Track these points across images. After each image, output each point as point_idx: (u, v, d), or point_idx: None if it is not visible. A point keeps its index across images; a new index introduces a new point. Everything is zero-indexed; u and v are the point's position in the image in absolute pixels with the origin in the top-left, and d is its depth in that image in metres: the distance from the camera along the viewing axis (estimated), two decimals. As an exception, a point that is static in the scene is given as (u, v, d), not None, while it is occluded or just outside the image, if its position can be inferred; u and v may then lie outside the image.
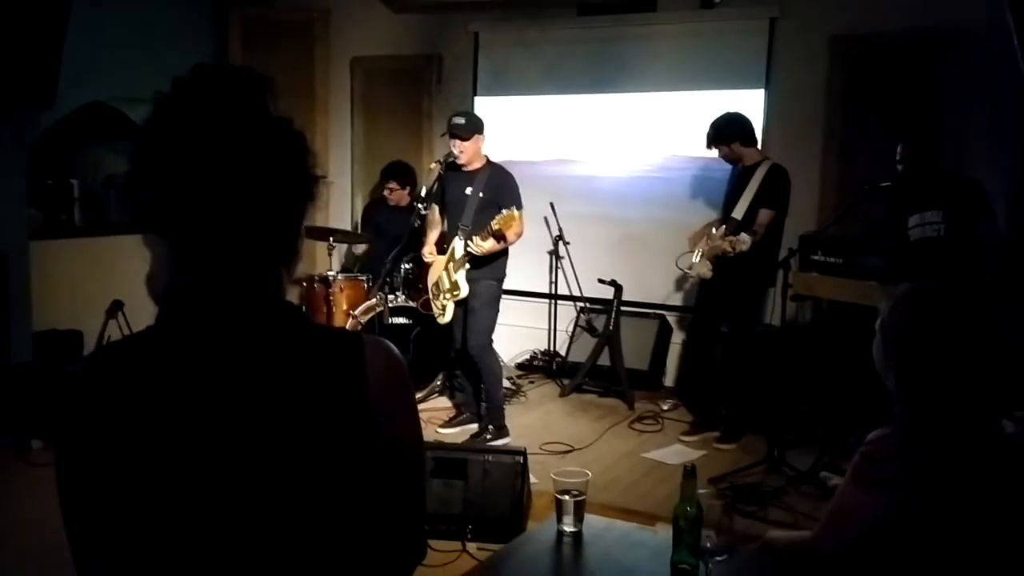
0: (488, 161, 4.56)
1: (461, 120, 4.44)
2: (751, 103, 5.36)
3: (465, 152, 4.44)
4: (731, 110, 4.73)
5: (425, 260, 4.72)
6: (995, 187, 4.53)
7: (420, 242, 5.37)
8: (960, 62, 4.90)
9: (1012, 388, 2.34)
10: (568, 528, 2.07)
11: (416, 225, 4.95)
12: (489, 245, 4.33)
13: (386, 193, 5.99)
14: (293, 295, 5.83)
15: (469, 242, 4.36)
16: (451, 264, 4.47)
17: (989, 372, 1.75)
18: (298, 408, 1.04)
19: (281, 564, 1.03)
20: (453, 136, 4.42)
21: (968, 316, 1.74)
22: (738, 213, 4.49)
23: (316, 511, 1.03)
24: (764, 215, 4.41)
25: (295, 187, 1.10)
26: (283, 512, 1.02)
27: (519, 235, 4.42)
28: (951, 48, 4.93)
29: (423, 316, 5.12)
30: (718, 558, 1.78)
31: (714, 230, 4.59)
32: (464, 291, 4.45)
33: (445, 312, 4.56)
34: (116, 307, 5.57)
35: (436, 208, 4.73)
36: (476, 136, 4.44)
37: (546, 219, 5.98)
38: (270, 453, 1.02)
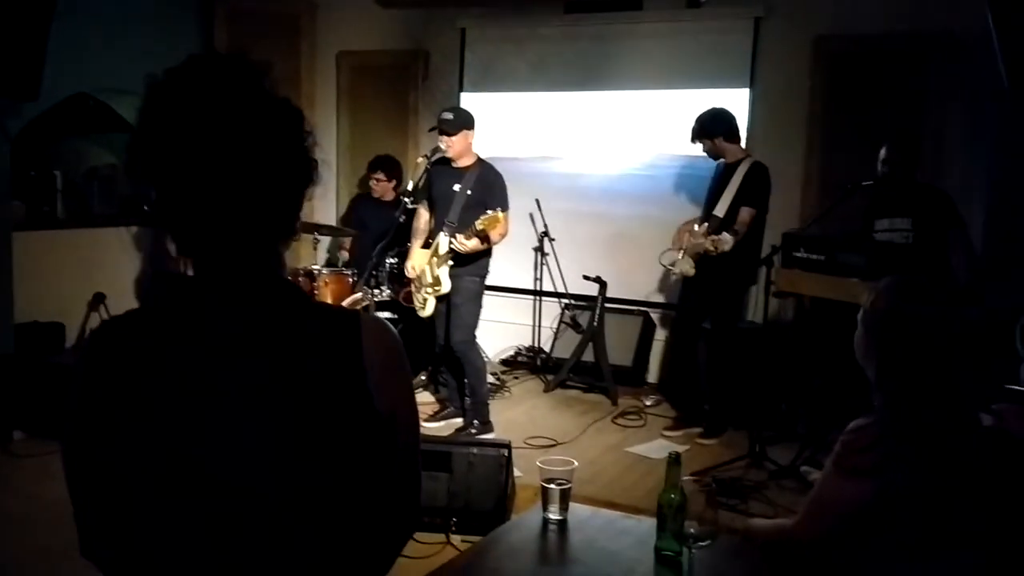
0: (479, 159, 4.56)
1: (449, 115, 4.44)
2: (736, 102, 5.39)
3: (453, 147, 4.44)
4: (707, 108, 4.77)
5: (407, 275, 4.73)
6: (974, 190, 4.60)
7: (405, 237, 5.38)
8: (942, 65, 4.97)
9: (990, 382, 2.38)
10: (553, 516, 2.09)
11: (402, 220, 4.95)
12: (473, 244, 4.34)
13: (372, 184, 5.99)
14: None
15: (453, 239, 4.37)
16: (434, 259, 4.48)
17: (968, 364, 1.79)
18: (296, 381, 1.06)
19: (280, 534, 1.04)
20: (441, 131, 4.43)
21: (948, 308, 1.77)
22: (720, 211, 4.52)
23: (313, 483, 1.05)
24: (745, 214, 4.44)
25: (296, 167, 1.11)
26: (281, 484, 1.04)
27: (503, 236, 4.44)
28: (933, 51, 4.99)
29: (408, 311, 5.12)
30: (701, 544, 1.80)
31: (696, 227, 4.62)
32: (446, 287, 4.46)
33: (425, 306, 4.58)
34: (98, 299, 5.56)
35: (423, 215, 4.73)
36: (464, 131, 4.44)
37: (531, 216, 6.00)
38: (269, 425, 1.04)
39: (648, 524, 2.02)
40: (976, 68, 4.71)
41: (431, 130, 4.62)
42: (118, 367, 1.05)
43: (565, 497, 2.10)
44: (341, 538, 1.09)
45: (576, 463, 2.20)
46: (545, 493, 2.10)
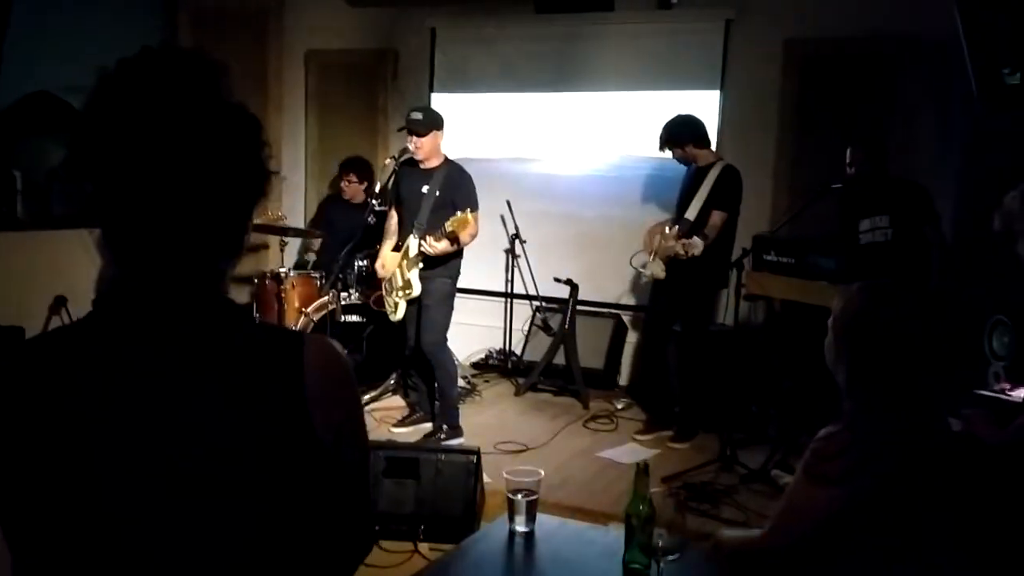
0: (446, 159, 4.51)
1: (419, 115, 4.38)
2: (706, 104, 5.40)
3: (422, 148, 4.38)
4: (684, 111, 4.76)
5: (378, 274, 4.67)
6: (942, 191, 4.61)
7: (375, 239, 5.32)
8: (911, 67, 4.99)
9: (958, 386, 2.38)
10: (520, 528, 2.05)
11: (371, 221, 4.90)
12: (443, 246, 4.29)
13: (343, 185, 5.92)
14: (244, 292, 5.73)
15: (423, 242, 4.31)
16: (404, 262, 4.42)
17: (937, 369, 1.77)
18: (232, 405, 1.00)
19: (216, 562, 0.99)
20: (410, 132, 4.37)
21: (918, 314, 1.76)
22: (691, 214, 4.51)
23: (250, 509, 1.00)
24: (716, 217, 4.43)
25: (247, 179, 1.05)
26: (217, 510, 0.99)
27: (473, 236, 4.38)
28: (903, 53, 5.01)
29: (377, 314, 5.06)
30: (670, 557, 1.77)
31: (667, 229, 4.60)
32: (416, 290, 4.40)
33: (396, 310, 4.52)
34: (59, 303, 5.43)
35: (394, 217, 4.67)
36: (434, 132, 4.38)
37: (502, 217, 5.95)
38: (202, 451, 0.98)
39: (616, 534, 1.99)
40: (943, 71, 4.73)
41: (400, 130, 4.56)
42: (37, 394, 0.98)
43: (532, 508, 2.05)
44: (290, 565, 1.03)
45: (543, 473, 2.17)
46: (511, 504, 2.05)
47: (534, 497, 2.06)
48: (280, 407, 1.02)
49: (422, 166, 4.46)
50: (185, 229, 1.01)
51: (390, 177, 4.61)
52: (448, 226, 4.18)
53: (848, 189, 4.31)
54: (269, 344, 1.06)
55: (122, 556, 0.97)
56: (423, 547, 3.41)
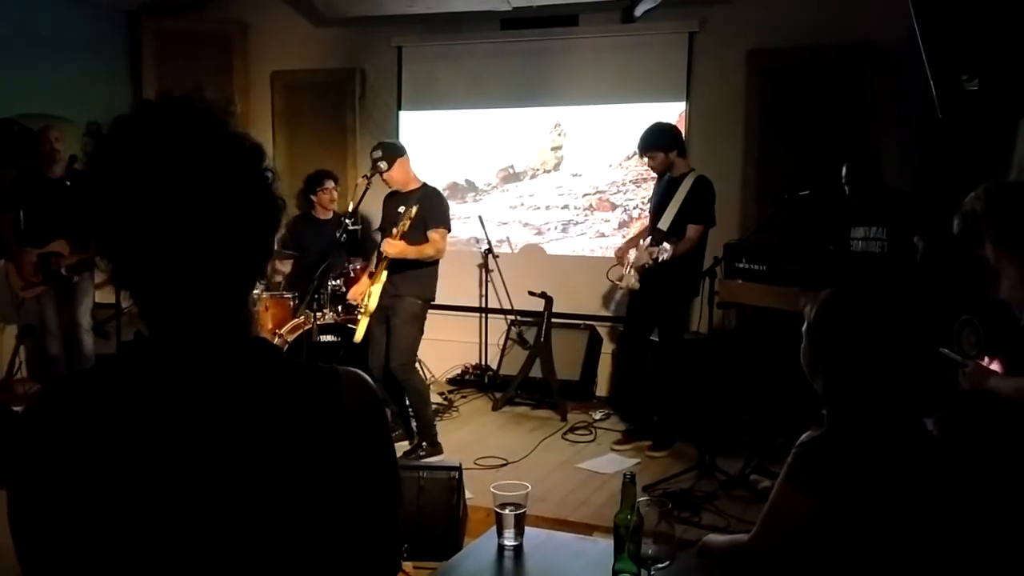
0: (424, 184, 4.59)
1: (378, 152, 4.46)
2: (672, 116, 5.47)
3: (395, 179, 4.49)
4: (652, 123, 4.80)
5: (349, 298, 4.68)
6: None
7: (346, 258, 5.32)
8: (872, 75, 5.09)
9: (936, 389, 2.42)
10: (509, 542, 2.05)
11: (343, 239, 4.89)
12: (401, 247, 4.31)
13: (320, 194, 5.86)
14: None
15: (382, 242, 4.37)
16: (377, 282, 4.46)
17: (914, 374, 1.81)
18: (276, 447, 1.00)
19: None
20: (375, 170, 4.43)
21: (892, 319, 1.79)
22: (664, 224, 4.55)
23: (293, 548, 1.00)
24: (692, 231, 4.47)
25: (261, 214, 1.05)
26: (260, 551, 0.99)
27: (439, 252, 4.45)
28: (861, 62, 5.11)
29: (352, 333, 5.03)
30: (659, 566, 1.78)
31: (642, 241, 4.65)
32: (372, 304, 4.42)
33: (358, 329, 4.53)
34: (27, 331, 5.35)
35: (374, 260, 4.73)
36: (399, 160, 4.47)
37: (475, 233, 5.96)
38: (246, 494, 0.98)
39: (604, 544, 2.00)
40: (904, 79, 4.83)
41: (369, 176, 4.56)
42: (73, 438, 0.97)
43: (520, 522, 2.06)
44: None
45: (529, 486, 2.17)
46: (499, 519, 2.06)
47: (522, 510, 2.07)
48: (322, 443, 1.02)
49: (401, 192, 4.54)
50: (218, 270, 1.01)
51: (362, 196, 4.63)
52: (400, 223, 4.26)
53: (841, 198, 4.37)
54: (306, 381, 1.05)
55: None
56: (407, 566, 3.38)
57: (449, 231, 4.56)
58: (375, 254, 4.71)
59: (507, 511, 2.05)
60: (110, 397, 0.99)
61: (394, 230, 4.33)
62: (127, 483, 0.95)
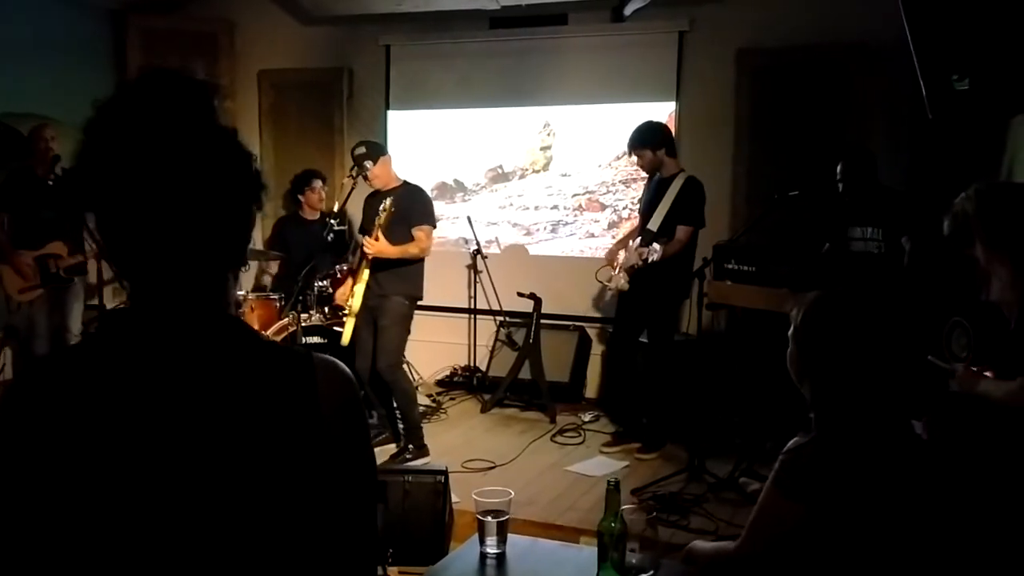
0: (404, 182, 4.56)
1: (362, 150, 4.45)
2: (662, 115, 5.44)
3: (377, 177, 4.46)
4: (646, 120, 4.77)
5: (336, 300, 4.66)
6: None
7: (333, 258, 5.27)
8: (862, 74, 5.07)
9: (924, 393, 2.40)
10: (491, 549, 2.02)
11: (329, 239, 4.86)
12: (382, 245, 4.27)
13: (308, 194, 5.83)
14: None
15: (365, 243, 4.34)
16: (359, 281, 4.42)
17: (902, 378, 1.78)
18: (246, 429, 1.00)
19: None
20: (362, 168, 4.41)
21: (879, 322, 1.76)
22: (653, 224, 4.52)
23: (263, 529, 1.00)
24: (682, 232, 4.44)
25: (242, 186, 1.06)
26: (230, 535, 0.98)
27: (424, 251, 4.42)
28: (852, 61, 5.09)
29: (338, 335, 4.99)
30: (644, 575, 1.75)
31: (632, 242, 4.62)
32: (355, 305, 4.39)
33: (345, 330, 4.49)
34: (10, 333, 5.29)
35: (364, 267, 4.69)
36: (382, 159, 4.46)
37: (464, 233, 5.93)
38: (217, 475, 0.98)
39: (588, 552, 1.97)
40: (894, 78, 4.81)
41: (353, 176, 4.54)
42: (47, 419, 0.98)
43: (503, 529, 2.02)
44: None
45: (512, 492, 2.13)
46: (482, 526, 2.02)
47: (505, 518, 2.03)
48: (295, 428, 1.02)
49: (382, 191, 4.50)
50: (189, 240, 1.02)
51: (348, 195, 4.59)
52: (379, 220, 4.24)
53: (835, 197, 4.35)
54: (280, 364, 1.05)
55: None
56: (392, 571, 3.35)
57: (434, 228, 4.53)
58: (358, 252, 4.68)
59: (489, 518, 2.01)
60: (84, 378, 1.00)
61: (367, 238, 4.29)
62: (93, 469, 0.96)
